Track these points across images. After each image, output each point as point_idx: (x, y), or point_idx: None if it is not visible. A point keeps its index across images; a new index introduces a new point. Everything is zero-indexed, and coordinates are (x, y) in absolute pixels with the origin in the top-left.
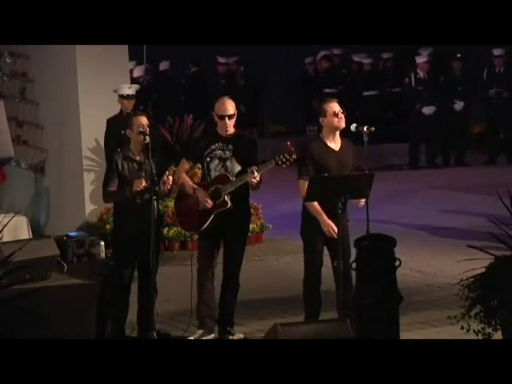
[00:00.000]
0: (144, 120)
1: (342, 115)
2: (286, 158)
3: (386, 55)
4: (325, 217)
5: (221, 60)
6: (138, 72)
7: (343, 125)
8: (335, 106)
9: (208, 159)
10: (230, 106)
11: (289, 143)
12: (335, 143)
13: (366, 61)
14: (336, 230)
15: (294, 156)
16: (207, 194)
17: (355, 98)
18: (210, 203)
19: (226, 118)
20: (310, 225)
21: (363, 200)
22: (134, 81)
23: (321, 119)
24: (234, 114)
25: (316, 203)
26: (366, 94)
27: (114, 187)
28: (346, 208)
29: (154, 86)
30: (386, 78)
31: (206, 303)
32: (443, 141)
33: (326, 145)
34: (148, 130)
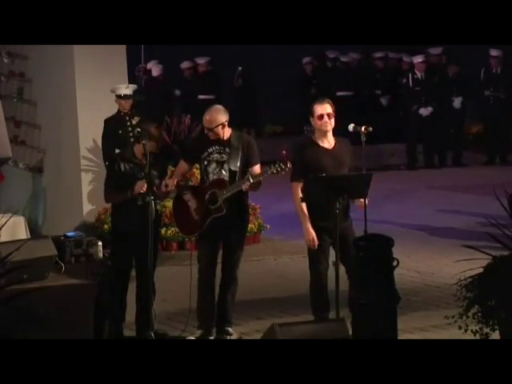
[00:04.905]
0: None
1: (328, 118)
2: (280, 168)
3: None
4: (308, 225)
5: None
6: (156, 71)
7: (327, 128)
8: (322, 109)
9: (206, 162)
10: (214, 119)
11: (284, 152)
12: (328, 142)
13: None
14: (316, 242)
15: (288, 165)
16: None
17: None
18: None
19: (210, 131)
20: (313, 226)
21: (362, 201)
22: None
23: (311, 119)
24: (221, 125)
25: (304, 207)
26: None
27: (114, 187)
28: (348, 210)
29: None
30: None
31: (207, 303)
32: (439, 141)
33: (319, 145)
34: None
